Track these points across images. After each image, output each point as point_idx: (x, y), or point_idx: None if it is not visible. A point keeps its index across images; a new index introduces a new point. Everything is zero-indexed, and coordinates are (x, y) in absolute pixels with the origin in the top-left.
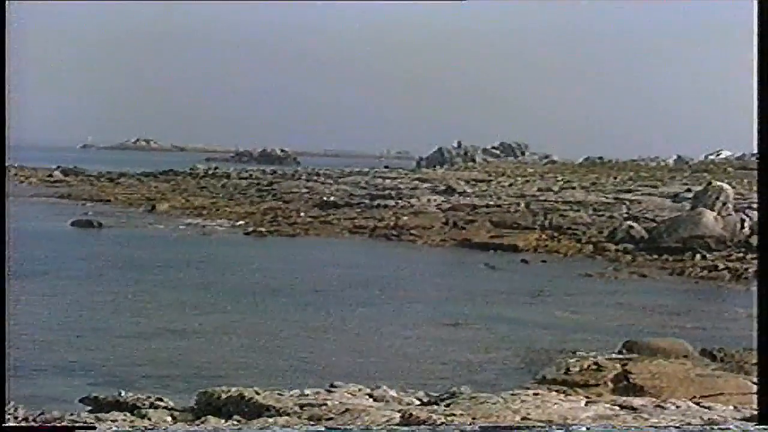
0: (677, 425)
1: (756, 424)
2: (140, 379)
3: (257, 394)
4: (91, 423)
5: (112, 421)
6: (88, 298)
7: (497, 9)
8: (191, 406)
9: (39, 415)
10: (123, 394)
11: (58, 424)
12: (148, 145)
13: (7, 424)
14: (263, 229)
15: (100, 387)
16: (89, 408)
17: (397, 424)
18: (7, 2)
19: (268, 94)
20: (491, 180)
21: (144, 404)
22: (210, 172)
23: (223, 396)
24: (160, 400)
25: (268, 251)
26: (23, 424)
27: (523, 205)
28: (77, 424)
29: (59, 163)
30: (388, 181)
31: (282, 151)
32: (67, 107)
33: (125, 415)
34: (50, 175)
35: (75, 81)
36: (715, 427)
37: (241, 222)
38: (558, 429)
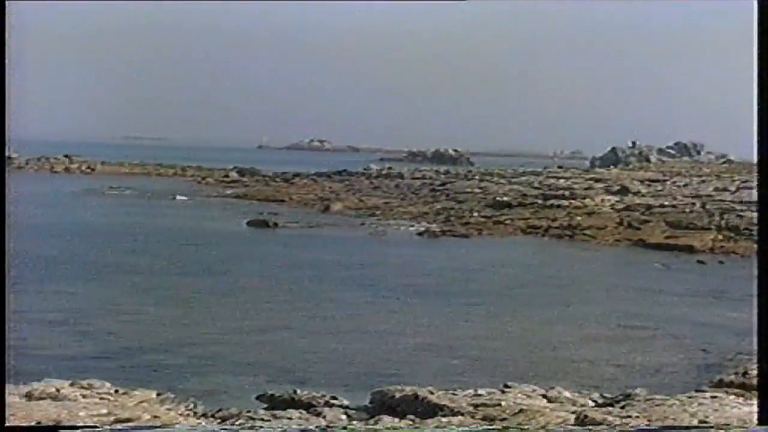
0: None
1: (756, 424)
2: (315, 377)
3: (431, 393)
4: (267, 419)
5: (288, 418)
6: (264, 297)
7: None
8: (366, 405)
9: (217, 411)
10: (298, 392)
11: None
12: (322, 146)
13: (7, 424)
14: (436, 229)
15: (277, 384)
16: (265, 405)
17: (572, 426)
18: (7, 2)
19: (442, 97)
20: (666, 180)
21: (318, 402)
22: (383, 172)
23: (398, 395)
24: (335, 398)
25: (441, 251)
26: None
27: (698, 205)
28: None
29: (236, 164)
30: (561, 180)
31: (455, 151)
32: (243, 109)
33: (300, 412)
34: (226, 176)
35: (251, 85)
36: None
37: (414, 222)
38: None
